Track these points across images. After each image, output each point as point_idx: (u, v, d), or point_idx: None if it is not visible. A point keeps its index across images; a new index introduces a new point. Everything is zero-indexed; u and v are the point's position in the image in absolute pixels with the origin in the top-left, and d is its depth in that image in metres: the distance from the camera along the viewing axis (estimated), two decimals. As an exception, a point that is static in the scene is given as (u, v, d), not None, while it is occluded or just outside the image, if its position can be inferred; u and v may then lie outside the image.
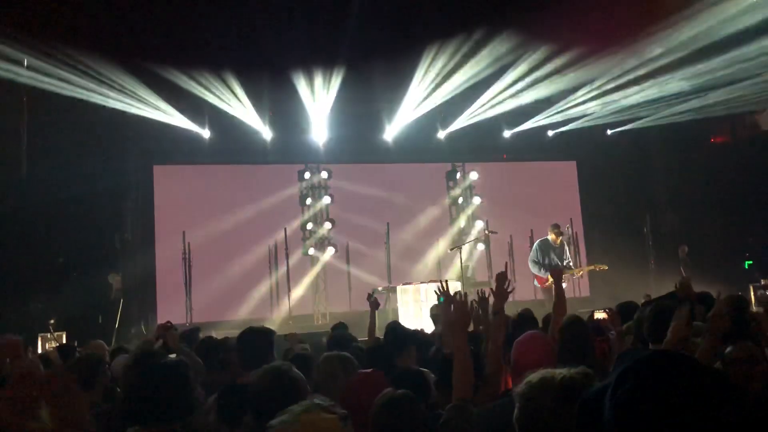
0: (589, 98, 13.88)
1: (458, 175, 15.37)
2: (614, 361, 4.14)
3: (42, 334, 9.69)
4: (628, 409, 1.19)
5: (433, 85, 13.10)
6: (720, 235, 14.45)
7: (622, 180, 15.60)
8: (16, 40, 9.40)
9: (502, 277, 4.32)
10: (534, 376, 2.11)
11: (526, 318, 5.31)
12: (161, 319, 12.59)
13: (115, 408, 3.68)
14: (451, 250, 13.30)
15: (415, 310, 11.00)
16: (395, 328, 5.26)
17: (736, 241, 14.32)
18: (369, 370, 3.61)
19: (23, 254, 10.93)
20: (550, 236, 11.66)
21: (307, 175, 14.42)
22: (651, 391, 1.18)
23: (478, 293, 5.03)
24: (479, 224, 14.86)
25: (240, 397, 3.18)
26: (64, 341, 9.71)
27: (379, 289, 12.33)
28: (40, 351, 9.03)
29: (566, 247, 12.03)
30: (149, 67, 11.00)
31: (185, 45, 10.81)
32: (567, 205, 15.41)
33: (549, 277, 10.71)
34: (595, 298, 13.83)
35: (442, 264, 14.19)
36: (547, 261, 11.49)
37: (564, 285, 7.91)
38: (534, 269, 11.65)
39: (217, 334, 6.94)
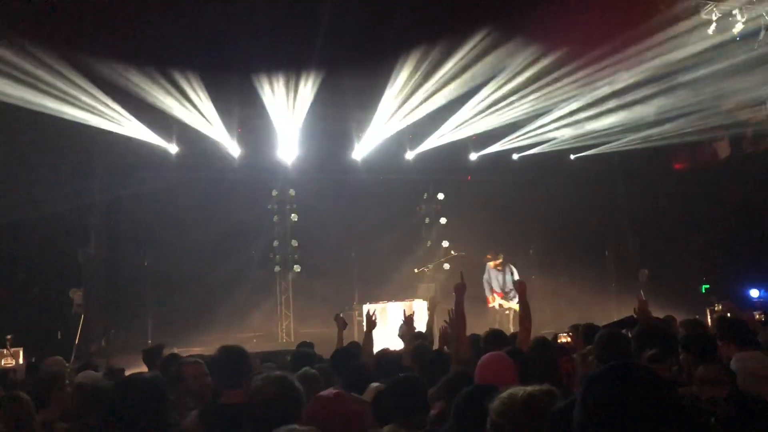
0: (554, 123, 14.14)
1: (425, 196, 15.57)
2: (578, 380, 4.27)
3: (-2, 350, 9.46)
4: (597, 410, 1.47)
5: (402, 105, 13.21)
6: (680, 259, 14.76)
7: (586, 204, 15.87)
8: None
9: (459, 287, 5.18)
10: (502, 394, 2.21)
11: (497, 335, 5.38)
12: (126, 335, 12.48)
13: (79, 427, 3.62)
14: (417, 271, 13.42)
15: (381, 329, 11.00)
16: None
17: (694, 266, 14.65)
18: (332, 392, 3.60)
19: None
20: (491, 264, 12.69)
21: (274, 192, 14.42)
22: (616, 395, 1.47)
23: (449, 313, 5.17)
24: (445, 244, 15.01)
25: (229, 416, 3.16)
26: (21, 357, 9.52)
27: (346, 308, 12.33)
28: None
29: (508, 273, 12.58)
30: (116, 79, 10.87)
31: (154, 57, 10.72)
32: (530, 227, 15.65)
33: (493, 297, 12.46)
34: (556, 320, 14.00)
35: (408, 284, 14.24)
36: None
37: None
38: (485, 289, 12.66)
39: (181, 352, 6.89)
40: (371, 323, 6.18)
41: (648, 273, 14.57)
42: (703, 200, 14.36)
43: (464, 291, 5.24)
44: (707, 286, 14.14)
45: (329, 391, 3.62)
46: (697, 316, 9.28)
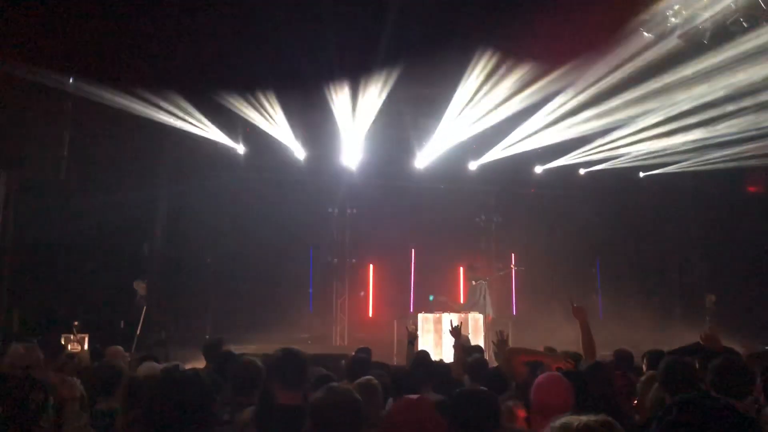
0: (624, 139, 13.79)
1: (488, 207, 15.42)
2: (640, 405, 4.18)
3: (65, 335, 9.83)
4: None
5: (468, 115, 13.13)
6: (749, 286, 14.16)
7: (653, 224, 15.42)
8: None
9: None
10: (555, 423, 2.12)
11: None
12: (186, 329, 12.78)
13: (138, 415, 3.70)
14: (475, 282, 13.26)
15: (435, 339, 10.95)
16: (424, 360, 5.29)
17: (765, 294, 14.02)
18: (415, 396, 3.56)
19: (54, 257, 11.16)
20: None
21: (333, 210, 14.59)
22: (696, 428, 1.48)
23: (496, 335, 5.15)
24: (507, 257, 14.85)
25: (284, 417, 3.19)
26: (86, 343, 9.85)
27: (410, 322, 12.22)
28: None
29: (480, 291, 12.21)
30: (189, 83, 11.21)
31: (225, 66, 11.01)
32: (594, 244, 15.31)
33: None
34: (617, 342, 13.59)
35: (464, 295, 14.11)
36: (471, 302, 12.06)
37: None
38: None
39: (236, 349, 6.98)
40: (458, 333, 6.13)
41: (715, 299, 14.00)
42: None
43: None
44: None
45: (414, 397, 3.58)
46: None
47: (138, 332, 11.08)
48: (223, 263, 13.62)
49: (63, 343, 9.51)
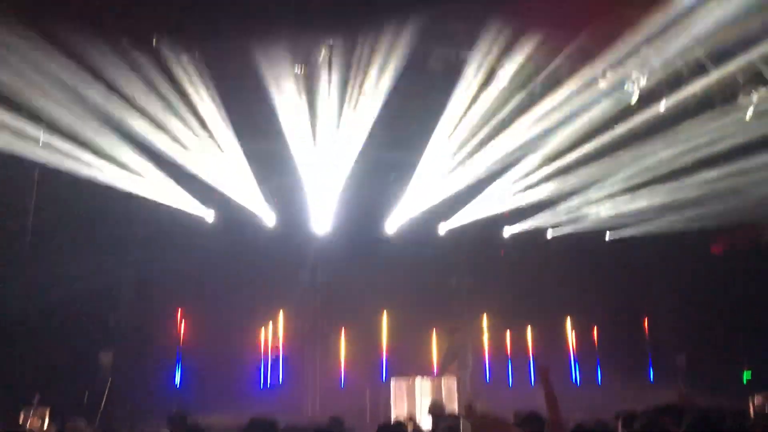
0: (590, 201, 14.07)
1: (459, 269, 15.44)
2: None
3: (26, 408, 9.45)
4: None
5: (434, 179, 13.32)
6: (719, 345, 14.27)
7: (621, 285, 15.56)
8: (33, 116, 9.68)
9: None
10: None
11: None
12: (152, 401, 12.38)
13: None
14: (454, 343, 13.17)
15: (409, 405, 10.76)
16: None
17: (735, 352, 14.14)
18: None
19: (16, 326, 10.85)
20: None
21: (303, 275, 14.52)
22: None
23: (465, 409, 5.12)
24: (479, 319, 14.85)
25: None
26: (48, 417, 9.47)
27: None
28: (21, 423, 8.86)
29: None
30: (159, 148, 11.24)
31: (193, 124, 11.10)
32: (565, 307, 15.39)
33: None
34: (590, 407, 13.51)
35: (437, 358, 14.01)
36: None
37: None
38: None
39: (204, 421, 6.77)
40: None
41: (686, 358, 14.08)
42: (742, 284, 13.99)
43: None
44: (749, 374, 13.60)
45: None
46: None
47: (103, 405, 10.73)
48: (192, 332, 13.36)
49: (22, 417, 9.15)
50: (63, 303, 11.38)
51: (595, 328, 15.48)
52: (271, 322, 14.01)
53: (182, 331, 13.17)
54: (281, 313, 14.10)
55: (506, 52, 9.58)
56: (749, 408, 10.94)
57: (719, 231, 14.77)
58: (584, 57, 9.82)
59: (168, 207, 12.66)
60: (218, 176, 12.50)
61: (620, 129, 11.48)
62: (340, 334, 14.34)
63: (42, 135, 10.17)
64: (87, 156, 10.76)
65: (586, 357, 15.10)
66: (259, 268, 13.69)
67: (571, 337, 15.47)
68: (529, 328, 14.85)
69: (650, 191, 13.47)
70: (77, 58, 8.57)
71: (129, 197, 11.90)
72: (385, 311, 14.17)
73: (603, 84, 10.23)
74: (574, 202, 14.17)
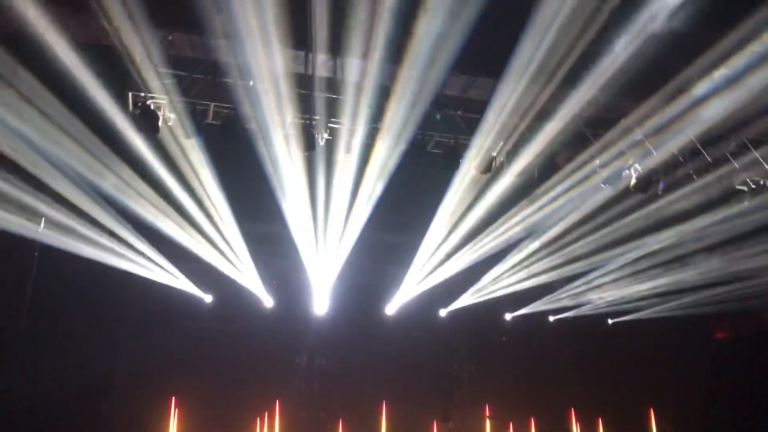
0: (591, 287, 14.00)
1: (460, 355, 15.19)
2: None
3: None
4: None
5: (435, 263, 13.30)
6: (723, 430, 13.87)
7: (623, 370, 15.28)
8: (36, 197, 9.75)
9: None
10: None
11: None
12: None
13: None
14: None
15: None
16: None
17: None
18: None
19: (10, 414, 10.56)
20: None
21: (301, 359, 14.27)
22: None
23: None
24: (481, 406, 14.46)
25: None
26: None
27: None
28: None
29: None
30: (159, 229, 11.26)
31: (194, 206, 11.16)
32: (567, 392, 15.04)
33: None
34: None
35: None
36: None
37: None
38: None
39: None
40: None
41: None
42: (746, 371, 13.74)
43: None
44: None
45: None
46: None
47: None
48: (189, 419, 12.98)
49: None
50: (58, 390, 11.14)
51: (600, 420, 15.05)
52: (266, 413, 13.61)
53: (176, 422, 12.79)
54: (278, 404, 13.73)
55: (506, 139, 9.75)
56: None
57: (723, 317, 14.63)
58: (582, 143, 9.97)
59: (166, 287, 12.58)
60: (217, 257, 12.47)
61: (620, 216, 11.54)
62: (338, 427, 13.93)
63: (42, 222, 10.23)
64: (87, 235, 10.77)
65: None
66: (256, 354, 13.49)
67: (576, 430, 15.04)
68: (532, 422, 14.44)
69: (652, 277, 13.41)
70: (78, 139, 8.72)
71: (127, 277, 11.82)
72: (384, 402, 13.81)
73: (602, 172, 10.36)
74: (576, 287, 14.10)
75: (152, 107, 8.53)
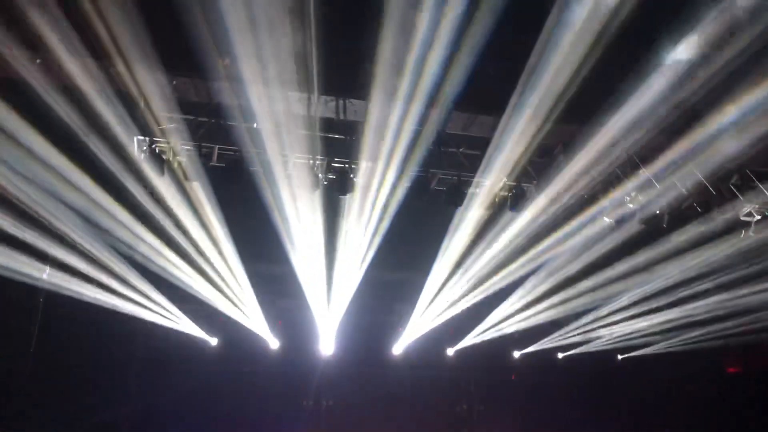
0: (599, 323, 13.88)
1: (468, 394, 15.01)
2: None
3: None
4: None
5: (442, 302, 13.22)
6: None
7: (635, 406, 15.05)
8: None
9: None
10: None
11: None
12: None
13: None
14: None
15: None
16: None
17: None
18: None
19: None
20: None
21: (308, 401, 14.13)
22: None
23: None
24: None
25: None
26: None
27: None
28: None
29: None
30: (163, 273, 11.27)
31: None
32: (579, 428, 14.79)
33: None
34: None
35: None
36: None
37: None
38: None
39: None
40: None
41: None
42: (760, 405, 13.50)
43: None
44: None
45: None
46: None
47: None
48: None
49: None
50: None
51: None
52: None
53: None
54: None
55: (508, 175, 9.79)
56: None
57: (735, 351, 14.44)
58: (585, 179, 9.99)
59: (171, 330, 12.52)
60: (223, 300, 12.43)
61: (627, 250, 11.50)
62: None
63: (47, 270, 10.27)
64: (91, 279, 10.78)
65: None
66: (262, 395, 13.34)
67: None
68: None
69: (660, 311, 13.30)
70: (83, 183, 8.79)
71: (132, 321, 11.77)
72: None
73: (608, 210, 10.35)
74: (584, 323, 13.98)
75: (157, 151, 8.61)
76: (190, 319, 12.79)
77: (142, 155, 8.65)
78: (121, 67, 7.47)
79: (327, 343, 13.77)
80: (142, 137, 8.62)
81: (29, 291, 10.65)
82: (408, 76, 7.69)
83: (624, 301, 13.13)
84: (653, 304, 13.23)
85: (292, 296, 12.78)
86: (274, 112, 8.31)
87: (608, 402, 14.80)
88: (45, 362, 11.16)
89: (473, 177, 9.88)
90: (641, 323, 13.80)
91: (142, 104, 8.09)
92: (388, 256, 11.82)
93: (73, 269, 10.41)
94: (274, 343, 13.64)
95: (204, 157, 8.93)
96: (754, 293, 12.15)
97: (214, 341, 13.36)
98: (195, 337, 13.09)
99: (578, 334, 14.29)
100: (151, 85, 7.87)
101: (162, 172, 8.70)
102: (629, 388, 14.97)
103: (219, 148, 9.00)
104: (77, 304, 10.78)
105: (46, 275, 10.22)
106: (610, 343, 14.59)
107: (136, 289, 11.53)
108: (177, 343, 12.89)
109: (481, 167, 9.75)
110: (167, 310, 12.26)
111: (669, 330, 13.92)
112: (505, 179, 9.87)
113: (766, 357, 14.82)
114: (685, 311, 13.15)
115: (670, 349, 14.41)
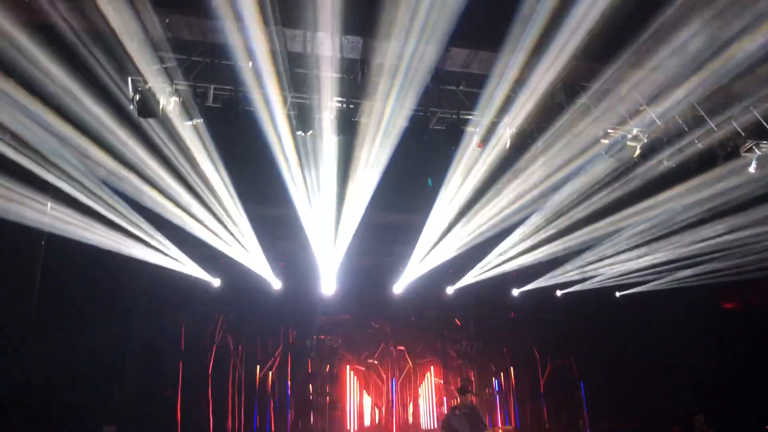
0: (599, 260, 13.97)
1: (468, 332, 15.24)
2: None
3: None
4: None
5: (442, 241, 13.28)
6: (735, 404, 13.86)
7: (633, 343, 15.28)
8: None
9: None
10: None
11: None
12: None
13: None
14: (458, 412, 12.83)
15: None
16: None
17: (753, 409, 13.72)
18: None
19: (19, 400, 10.64)
20: (461, 400, 10.61)
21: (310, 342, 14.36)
22: None
23: None
24: (489, 383, 14.53)
25: None
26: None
27: None
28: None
29: (478, 410, 10.84)
30: (165, 214, 11.27)
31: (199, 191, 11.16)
32: (577, 367, 15.09)
33: None
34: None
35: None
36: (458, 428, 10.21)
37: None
38: None
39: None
40: None
41: (704, 418, 13.63)
42: (756, 340, 13.74)
43: None
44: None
45: None
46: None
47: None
48: (197, 403, 13.08)
49: None
50: (68, 374, 11.20)
51: (607, 392, 15.10)
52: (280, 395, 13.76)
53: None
54: (289, 384, 13.85)
55: (507, 111, 9.70)
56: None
57: (732, 287, 14.59)
58: (585, 114, 9.91)
59: (174, 272, 12.62)
60: (224, 241, 12.49)
61: (625, 186, 11.49)
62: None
63: (49, 205, 10.23)
64: (92, 222, 10.78)
65: (602, 418, 14.69)
66: (265, 335, 13.59)
67: (585, 399, 15.10)
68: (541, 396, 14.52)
69: (658, 247, 13.36)
70: (80, 126, 8.71)
71: (134, 263, 11.83)
72: (394, 380, 13.89)
73: (605, 141, 10.29)
74: (583, 260, 14.07)
75: (152, 91, 8.51)
76: (193, 260, 12.87)
77: (137, 96, 8.55)
78: (113, 5, 7.32)
79: (328, 283, 13.91)
80: (135, 78, 8.51)
81: (31, 233, 10.67)
82: (407, 11, 7.53)
83: (624, 238, 13.19)
84: (653, 242, 13.30)
85: (294, 238, 12.84)
86: (271, 50, 8.17)
87: (607, 337, 15.03)
88: (49, 305, 11.26)
89: (473, 115, 9.80)
90: (640, 260, 13.89)
91: (135, 44, 7.95)
92: (388, 197, 11.83)
93: (74, 212, 10.40)
94: (276, 283, 13.77)
95: (199, 97, 8.84)
96: (751, 228, 12.23)
97: (217, 282, 13.49)
98: (198, 279, 13.20)
99: (577, 272, 14.41)
100: (144, 23, 7.72)
101: (157, 114, 8.62)
102: (627, 325, 15.18)
103: (215, 88, 8.90)
104: (79, 246, 10.82)
105: (48, 211, 10.20)
106: (609, 281, 14.72)
107: (138, 231, 11.55)
108: (180, 285, 13.00)
109: (481, 105, 9.67)
110: (169, 253, 12.32)
111: (667, 267, 14.03)
112: (505, 117, 9.79)
113: (763, 293, 14.99)
114: (684, 248, 13.23)
115: (668, 287, 14.54)
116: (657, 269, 14.17)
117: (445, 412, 13.68)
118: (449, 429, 10.14)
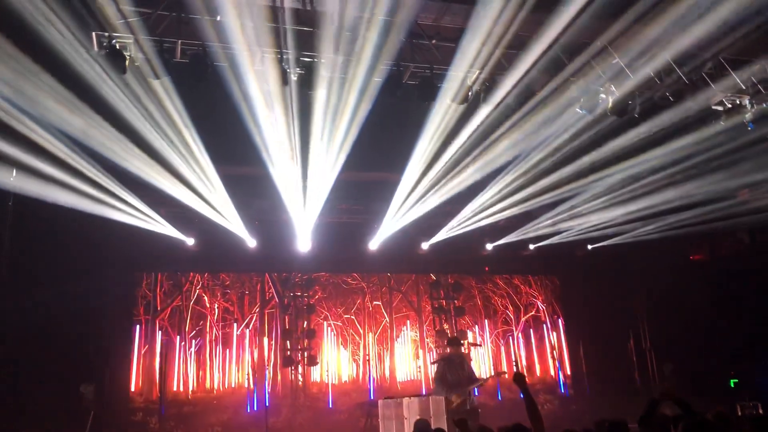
0: (571, 213, 14.09)
1: (445, 287, 15.40)
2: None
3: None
4: None
5: (416, 197, 13.29)
6: (703, 353, 14.26)
7: (604, 296, 15.58)
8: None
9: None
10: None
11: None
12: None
13: None
14: (433, 363, 13.08)
15: (397, 425, 10.60)
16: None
17: (720, 359, 14.15)
18: None
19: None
20: (450, 350, 10.66)
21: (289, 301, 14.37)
22: None
23: None
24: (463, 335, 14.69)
25: None
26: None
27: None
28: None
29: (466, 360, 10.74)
30: (136, 174, 11.08)
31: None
32: (549, 318, 15.38)
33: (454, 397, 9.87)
34: (581, 416, 13.48)
35: (424, 376, 13.88)
36: (450, 378, 10.14)
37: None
38: (439, 390, 10.16)
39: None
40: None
41: (672, 367, 14.06)
42: (723, 290, 14.06)
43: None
44: (736, 380, 13.62)
45: None
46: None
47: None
48: (175, 363, 13.17)
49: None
50: (42, 333, 11.13)
51: (581, 343, 15.43)
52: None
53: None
54: (267, 341, 13.94)
55: (482, 66, 9.62)
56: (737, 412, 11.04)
57: (700, 238, 14.85)
58: (558, 69, 9.87)
59: (146, 231, 12.46)
60: (197, 200, 12.35)
61: (599, 141, 11.55)
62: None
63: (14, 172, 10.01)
64: (61, 181, 10.56)
65: (575, 369, 15.07)
66: (241, 293, 13.57)
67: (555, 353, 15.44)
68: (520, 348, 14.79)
69: (630, 201, 13.51)
70: (44, 83, 8.48)
71: (106, 223, 11.67)
72: (369, 335, 14.05)
73: (579, 97, 10.30)
74: (556, 214, 14.19)
75: (118, 47, 8.28)
76: (166, 220, 12.72)
77: (103, 52, 8.32)
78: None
79: (304, 241, 13.89)
80: (100, 33, 8.27)
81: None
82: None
83: (596, 191, 13.30)
84: (623, 194, 13.43)
85: (268, 197, 12.75)
86: (238, 3, 7.98)
87: (576, 290, 15.29)
88: (19, 267, 11.11)
89: (446, 70, 9.71)
90: (611, 213, 14.02)
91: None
92: (363, 154, 11.76)
93: (40, 173, 10.18)
94: (251, 242, 13.72)
95: (166, 52, 8.63)
96: (721, 181, 12.39)
97: (191, 242, 13.37)
98: (172, 238, 13.08)
99: (550, 225, 14.54)
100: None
101: (124, 70, 8.41)
102: (599, 275, 15.45)
103: (182, 43, 8.68)
104: (48, 208, 10.64)
105: (12, 178, 9.99)
106: (580, 234, 14.88)
107: (107, 190, 11.36)
108: (153, 246, 12.89)
109: (455, 60, 9.57)
110: (142, 212, 12.16)
111: (638, 219, 14.19)
112: (478, 71, 9.72)
113: (728, 244, 15.29)
114: (654, 201, 13.38)
115: (639, 239, 14.73)
116: (627, 222, 14.33)
117: (420, 365, 13.94)
118: (443, 381, 10.23)
